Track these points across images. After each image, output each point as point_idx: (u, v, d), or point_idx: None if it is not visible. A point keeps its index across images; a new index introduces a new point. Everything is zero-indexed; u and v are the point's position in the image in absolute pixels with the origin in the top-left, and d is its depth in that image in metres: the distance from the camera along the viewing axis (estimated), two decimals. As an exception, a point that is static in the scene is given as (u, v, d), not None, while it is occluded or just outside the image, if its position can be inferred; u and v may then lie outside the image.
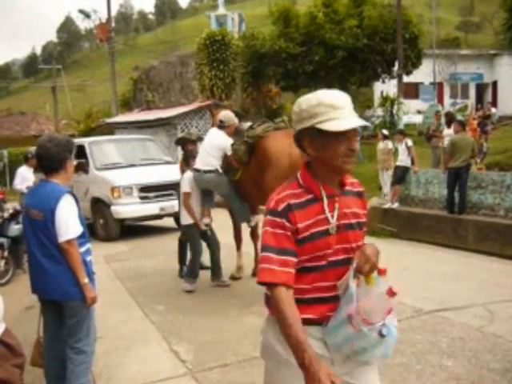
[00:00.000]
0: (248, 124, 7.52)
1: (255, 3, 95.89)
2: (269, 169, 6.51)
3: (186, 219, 7.58)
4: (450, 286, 7.39)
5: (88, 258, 3.95)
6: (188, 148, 8.02)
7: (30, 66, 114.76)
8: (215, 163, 7.27)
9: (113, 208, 12.14)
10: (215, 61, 27.45)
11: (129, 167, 13.07)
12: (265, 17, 30.85)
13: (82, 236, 3.87)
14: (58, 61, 66.81)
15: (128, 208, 12.24)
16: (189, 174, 7.56)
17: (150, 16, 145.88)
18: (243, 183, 7.14)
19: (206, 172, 7.30)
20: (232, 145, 7.08)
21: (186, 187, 7.52)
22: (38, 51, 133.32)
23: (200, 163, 7.40)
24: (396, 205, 12.57)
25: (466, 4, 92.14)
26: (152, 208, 12.35)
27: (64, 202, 3.77)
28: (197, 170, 7.40)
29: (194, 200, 7.49)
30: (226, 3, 46.84)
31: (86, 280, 3.81)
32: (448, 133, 13.97)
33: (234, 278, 8.08)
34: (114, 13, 53.60)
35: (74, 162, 4.07)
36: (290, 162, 6.36)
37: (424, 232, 11.45)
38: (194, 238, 7.66)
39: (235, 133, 7.33)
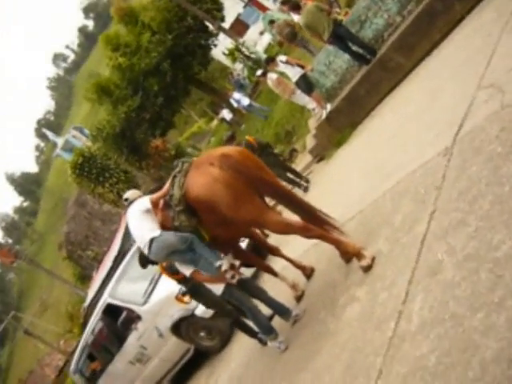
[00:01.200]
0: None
1: (81, 109, 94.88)
2: (218, 207, 5.91)
3: (217, 288, 6.86)
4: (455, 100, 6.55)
5: None
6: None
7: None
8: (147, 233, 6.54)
9: (197, 312, 10.41)
10: (97, 177, 26.58)
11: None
12: (91, 110, 30.38)
13: None
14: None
15: None
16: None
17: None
18: (217, 237, 6.46)
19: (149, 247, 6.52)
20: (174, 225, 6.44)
21: (186, 272, 6.82)
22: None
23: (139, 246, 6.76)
24: (329, 106, 11.89)
25: None
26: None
27: None
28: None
29: (203, 272, 6.78)
30: (55, 134, 46.42)
31: None
32: (298, 19, 13.39)
33: (299, 298, 7.25)
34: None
35: None
36: (223, 182, 5.80)
37: (371, 97, 10.78)
38: (237, 296, 6.92)
39: (167, 209, 6.59)
